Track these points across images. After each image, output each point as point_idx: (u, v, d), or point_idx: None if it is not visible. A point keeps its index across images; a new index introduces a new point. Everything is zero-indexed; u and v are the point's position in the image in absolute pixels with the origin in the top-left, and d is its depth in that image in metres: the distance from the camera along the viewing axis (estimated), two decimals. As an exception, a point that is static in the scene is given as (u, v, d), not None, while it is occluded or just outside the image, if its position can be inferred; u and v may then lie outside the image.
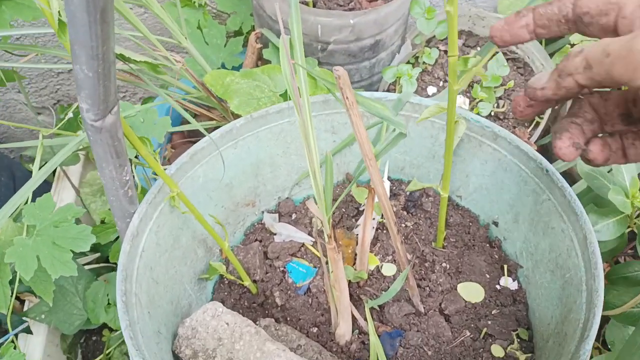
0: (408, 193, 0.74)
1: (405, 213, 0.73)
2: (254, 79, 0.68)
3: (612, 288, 0.67)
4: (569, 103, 0.41)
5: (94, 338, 0.98)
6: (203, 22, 0.88)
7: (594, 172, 0.63)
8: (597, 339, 0.64)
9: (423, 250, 0.69)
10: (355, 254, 0.69)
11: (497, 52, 0.80)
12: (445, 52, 0.88)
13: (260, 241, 0.73)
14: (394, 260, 0.69)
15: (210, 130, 0.88)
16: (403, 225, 0.72)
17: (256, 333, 0.56)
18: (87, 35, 0.32)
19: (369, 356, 0.58)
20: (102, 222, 0.80)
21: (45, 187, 0.79)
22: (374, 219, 0.70)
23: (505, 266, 0.66)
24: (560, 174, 0.76)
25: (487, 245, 0.69)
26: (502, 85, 0.82)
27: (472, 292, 0.65)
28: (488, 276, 0.66)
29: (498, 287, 0.65)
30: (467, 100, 0.84)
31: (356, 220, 0.74)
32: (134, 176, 0.72)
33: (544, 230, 0.59)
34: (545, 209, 0.58)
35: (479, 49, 0.89)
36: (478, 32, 0.90)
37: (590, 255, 0.49)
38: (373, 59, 0.80)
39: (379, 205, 0.54)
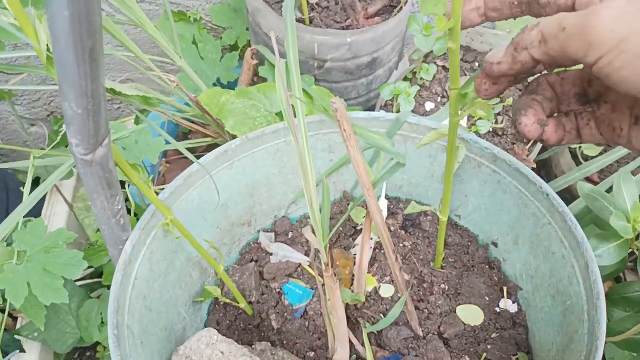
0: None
1: (403, 232, 0.72)
2: (249, 98, 0.67)
3: (613, 308, 0.66)
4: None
5: (87, 353, 0.97)
6: (198, 36, 0.87)
7: (594, 194, 0.62)
8: None
9: (421, 271, 0.68)
10: (353, 275, 0.68)
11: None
12: (443, 67, 0.87)
13: (256, 261, 0.72)
14: (392, 281, 0.68)
15: (205, 147, 0.87)
16: (401, 244, 0.71)
17: (252, 361, 0.55)
18: (75, 74, 0.31)
19: (367, 383, 0.57)
20: (94, 244, 0.79)
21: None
22: (371, 238, 0.69)
23: (505, 288, 0.65)
24: (560, 191, 0.76)
25: (487, 266, 0.68)
26: (500, 101, 0.82)
27: (471, 314, 0.64)
28: (487, 298, 0.65)
29: (497, 309, 0.64)
30: (465, 117, 0.83)
31: (353, 240, 0.73)
32: (127, 198, 0.71)
33: (544, 255, 0.58)
34: (546, 233, 0.57)
35: (477, 64, 0.88)
36: (476, 47, 0.90)
37: (592, 285, 0.48)
38: (370, 76, 0.79)
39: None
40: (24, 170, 1.07)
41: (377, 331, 0.63)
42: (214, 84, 0.87)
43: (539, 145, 0.81)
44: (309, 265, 0.70)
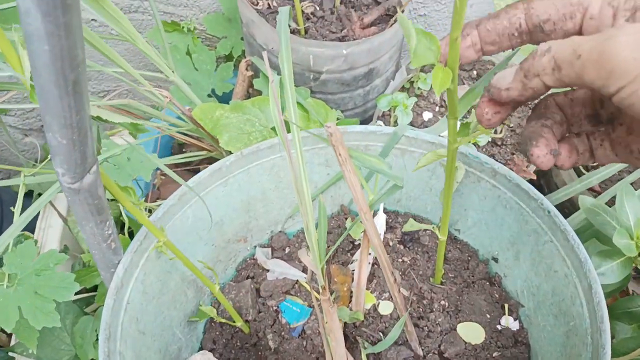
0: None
1: (402, 247, 0.71)
2: (244, 112, 0.66)
3: (616, 322, 0.65)
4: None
5: (83, 368, 0.95)
6: (192, 47, 0.86)
7: (596, 208, 0.61)
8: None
9: (421, 287, 0.67)
10: (351, 292, 0.67)
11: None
12: (441, 76, 0.86)
13: (253, 277, 0.71)
14: (391, 298, 0.66)
15: (200, 161, 0.86)
16: (400, 260, 0.69)
17: (248, 385, 0.54)
18: (58, 107, 0.29)
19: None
20: (87, 264, 0.77)
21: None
22: (370, 254, 0.68)
23: (506, 305, 0.64)
24: (560, 204, 0.75)
25: (487, 282, 0.67)
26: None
27: (472, 332, 0.63)
28: (488, 316, 0.64)
29: (499, 327, 0.63)
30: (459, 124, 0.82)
31: (352, 255, 0.72)
32: (120, 213, 0.69)
33: (546, 272, 0.57)
34: (547, 250, 0.56)
35: (474, 72, 0.87)
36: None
37: (595, 307, 0.47)
38: (367, 87, 0.78)
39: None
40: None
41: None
42: (209, 95, 0.86)
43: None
44: (307, 282, 0.69)
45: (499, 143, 0.82)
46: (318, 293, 0.51)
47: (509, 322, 0.63)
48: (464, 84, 0.87)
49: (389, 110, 0.82)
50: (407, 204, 0.73)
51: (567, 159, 0.35)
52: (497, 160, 0.81)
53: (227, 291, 0.68)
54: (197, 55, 0.86)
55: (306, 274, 0.69)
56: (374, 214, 0.71)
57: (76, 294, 0.91)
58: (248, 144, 0.65)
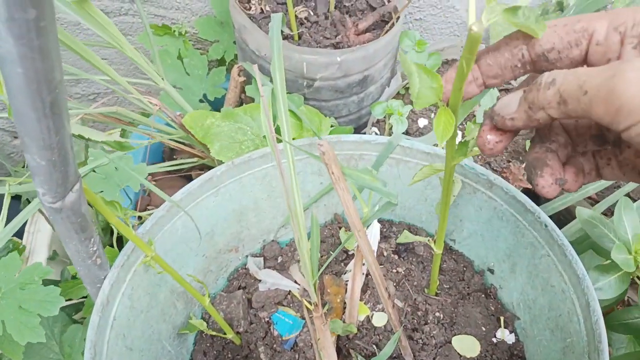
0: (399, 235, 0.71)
1: (396, 257, 0.70)
2: (235, 120, 0.64)
3: (612, 333, 0.64)
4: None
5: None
6: (184, 51, 0.84)
7: (593, 220, 0.60)
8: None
9: (415, 299, 0.66)
10: (345, 303, 0.65)
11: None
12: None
13: (245, 288, 0.70)
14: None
15: (192, 169, 0.85)
16: (394, 270, 0.68)
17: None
18: (36, 129, 0.28)
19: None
20: (74, 277, 0.76)
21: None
22: (363, 264, 0.67)
23: (502, 318, 0.63)
24: (556, 213, 0.74)
25: (483, 294, 0.66)
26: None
27: (467, 345, 0.62)
28: (484, 328, 0.63)
29: (494, 340, 0.62)
30: (461, 134, 0.81)
31: (345, 265, 0.71)
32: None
33: (542, 286, 0.56)
34: (544, 264, 0.55)
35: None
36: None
37: (593, 325, 0.46)
38: (362, 94, 0.76)
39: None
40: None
41: (370, 365, 0.61)
42: (201, 101, 0.85)
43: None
44: (299, 294, 0.68)
45: (495, 150, 0.81)
46: (311, 304, 0.50)
47: (504, 334, 0.62)
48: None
49: (384, 117, 0.81)
50: (401, 213, 0.72)
51: (574, 183, 0.34)
52: (492, 169, 0.80)
53: (218, 302, 0.66)
54: (189, 60, 0.84)
55: (299, 285, 0.68)
56: (368, 224, 0.70)
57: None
58: (240, 153, 0.63)
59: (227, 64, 0.89)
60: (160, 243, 0.57)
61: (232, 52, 0.88)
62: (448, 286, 0.67)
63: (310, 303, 0.63)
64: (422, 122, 0.82)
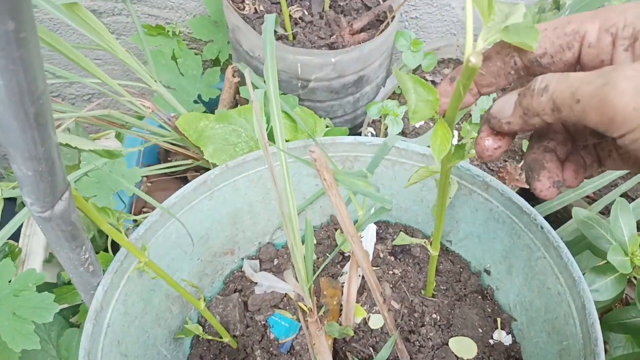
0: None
1: (392, 259, 0.69)
2: (229, 122, 0.64)
3: (609, 332, 0.64)
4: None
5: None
6: (178, 51, 0.84)
7: (589, 220, 0.60)
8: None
9: (412, 300, 0.65)
10: (341, 305, 0.65)
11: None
12: (433, 82, 0.84)
13: (241, 290, 0.70)
14: (382, 312, 0.65)
15: (187, 170, 0.84)
16: (391, 272, 0.68)
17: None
18: (20, 140, 0.28)
19: None
20: (70, 282, 0.75)
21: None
22: (359, 266, 0.66)
23: (499, 319, 0.63)
24: (554, 213, 0.74)
25: (479, 296, 0.65)
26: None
27: (464, 347, 0.62)
28: (480, 330, 0.62)
29: (491, 341, 0.62)
30: (457, 133, 0.80)
31: (342, 267, 0.71)
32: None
33: (538, 289, 0.56)
34: (540, 267, 0.55)
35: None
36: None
37: (589, 328, 0.46)
38: (357, 94, 0.76)
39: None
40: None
41: (367, 368, 0.61)
42: (195, 101, 0.84)
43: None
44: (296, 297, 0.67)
45: (492, 150, 0.80)
46: (306, 308, 0.50)
47: (501, 336, 0.62)
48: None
49: (380, 118, 0.80)
50: (397, 214, 0.71)
51: (574, 179, 0.33)
52: (488, 169, 0.79)
53: (214, 305, 0.66)
54: (183, 60, 0.83)
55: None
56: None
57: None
58: (234, 155, 0.63)
59: (221, 64, 0.89)
60: (154, 248, 0.57)
61: (227, 52, 0.88)
62: (445, 287, 0.67)
63: (305, 307, 0.63)
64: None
